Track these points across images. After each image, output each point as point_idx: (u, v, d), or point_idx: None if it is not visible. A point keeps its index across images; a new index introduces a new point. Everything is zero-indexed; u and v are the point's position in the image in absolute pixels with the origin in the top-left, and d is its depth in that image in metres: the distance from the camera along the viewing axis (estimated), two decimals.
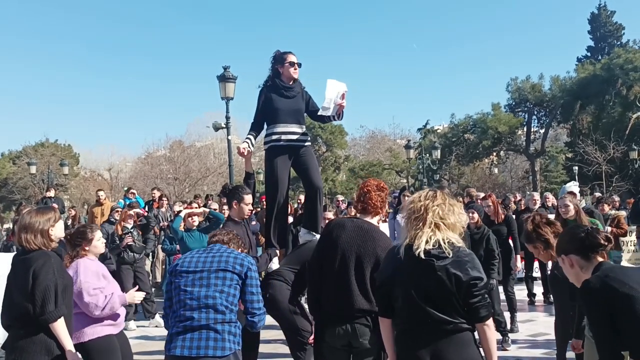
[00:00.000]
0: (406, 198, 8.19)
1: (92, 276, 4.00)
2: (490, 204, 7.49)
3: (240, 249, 3.58)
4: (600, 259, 2.46)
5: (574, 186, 7.41)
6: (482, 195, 9.68)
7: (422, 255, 2.70)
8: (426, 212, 2.80)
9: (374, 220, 3.68)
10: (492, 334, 2.73)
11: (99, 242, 4.22)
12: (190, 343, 3.11)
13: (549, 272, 4.56)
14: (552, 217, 7.82)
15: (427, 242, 2.73)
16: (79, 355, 3.49)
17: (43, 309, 3.30)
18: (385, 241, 3.50)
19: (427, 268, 2.69)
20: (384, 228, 8.60)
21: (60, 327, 3.34)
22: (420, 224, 2.79)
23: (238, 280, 3.28)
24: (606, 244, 2.47)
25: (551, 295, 4.12)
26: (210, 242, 3.57)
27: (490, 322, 2.71)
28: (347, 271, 3.39)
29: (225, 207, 8.80)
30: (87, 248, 4.15)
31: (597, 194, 15.42)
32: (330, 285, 3.45)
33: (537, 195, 9.51)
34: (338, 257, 3.43)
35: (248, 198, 4.80)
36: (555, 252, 2.69)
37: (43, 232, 3.47)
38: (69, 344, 3.38)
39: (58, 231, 3.60)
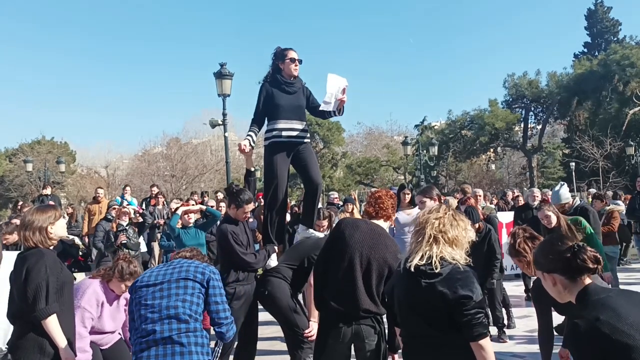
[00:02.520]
0: (406, 196, 8.18)
1: (92, 304, 4.05)
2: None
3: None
4: (587, 281, 2.20)
5: (563, 189, 7.28)
6: (479, 191, 9.65)
7: (412, 270, 2.71)
8: (426, 225, 2.79)
9: (384, 225, 3.74)
10: (488, 354, 2.64)
11: (122, 286, 4.22)
12: None
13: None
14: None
15: (421, 257, 2.71)
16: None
17: (34, 307, 3.29)
18: (394, 248, 3.55)
19: (417, 283, 2.69)
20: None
21: (51, 324, 3.31)
22: (420, 238, 2.78)
23: (200, 289, 3.13)
24: (595, 266, 2.20)
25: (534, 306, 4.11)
26: (173, 258, 3.48)
27: (484, 341, 2.62)
28: (354, 271, 3.43)
29: (222, 204, 8.79)
30: (113, 279, 4.19)
31: (592, 190, 15.41)
32: (337, 282, 3.47)
33: (537, 192, 9.35)
34: (347, 255, 3.46)
35: (248, 207, 4.74)
36: (535, 266, 2.42)
37: (41, 230, 3.46)
38: (62, 341, 3.34)
39: (58, 229, 3.57)
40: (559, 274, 2.24)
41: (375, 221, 3.70)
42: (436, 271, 2.64)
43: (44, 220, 3.49)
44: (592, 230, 5.92)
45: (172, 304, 3.02)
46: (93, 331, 4.09)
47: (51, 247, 3.53)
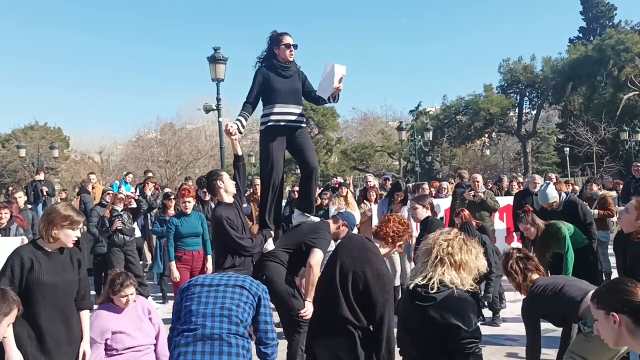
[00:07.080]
0: (398, 197, 8.18)
1: (97, 334, 3.84)
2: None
3: None
4: None
5: (549, 188, 7.22)
6: (478, 176, 9.62)
7: (411, 289, 2.73)
8: (434, 245, 2.77)
9: (382, 249, 3.66)
10: None
11: (122, 294, 3.99)
12: (201, 357, 2.81)
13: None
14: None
15: (423, 277, 2.70)
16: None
17: None
18: (378, 267, 3.40)
19: (412, 304, 2.71)
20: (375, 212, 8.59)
21: None
22: (426, 258, 2.77)
23: (253, 301, 3.07)
24: None
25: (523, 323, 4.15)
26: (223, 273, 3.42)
27: None
28: (335, 278, 3.42)
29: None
30: (111, 296, 3.98)
31: (585, 179, 15.55)
32: (322, 286, 3.53)
33: (538, 178, 9.20)
34: (333, 262, 3.49)
35: (225, 176, 4.66)
36: (595, 303, 2.21)
37: (50, 224, 3.45)
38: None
39: (62, 234, 3.50)
40: (628, 316, 2.12)
41: (375, 240, 3.71)
42: (431, 294, 2.63)
43: (57, 216, 3.46)
44: (566, 233, 5.83)
45: (227, 305, 2.97)
46: (129, 350, 3.90)
47: (49, 248, 3.48)
